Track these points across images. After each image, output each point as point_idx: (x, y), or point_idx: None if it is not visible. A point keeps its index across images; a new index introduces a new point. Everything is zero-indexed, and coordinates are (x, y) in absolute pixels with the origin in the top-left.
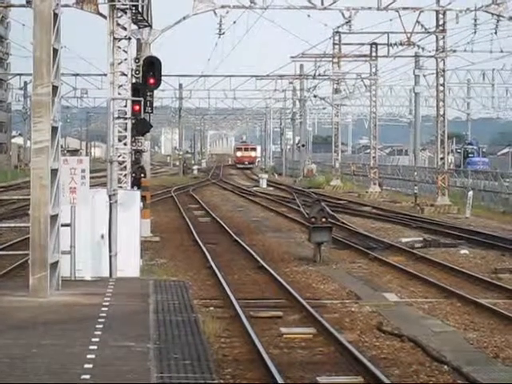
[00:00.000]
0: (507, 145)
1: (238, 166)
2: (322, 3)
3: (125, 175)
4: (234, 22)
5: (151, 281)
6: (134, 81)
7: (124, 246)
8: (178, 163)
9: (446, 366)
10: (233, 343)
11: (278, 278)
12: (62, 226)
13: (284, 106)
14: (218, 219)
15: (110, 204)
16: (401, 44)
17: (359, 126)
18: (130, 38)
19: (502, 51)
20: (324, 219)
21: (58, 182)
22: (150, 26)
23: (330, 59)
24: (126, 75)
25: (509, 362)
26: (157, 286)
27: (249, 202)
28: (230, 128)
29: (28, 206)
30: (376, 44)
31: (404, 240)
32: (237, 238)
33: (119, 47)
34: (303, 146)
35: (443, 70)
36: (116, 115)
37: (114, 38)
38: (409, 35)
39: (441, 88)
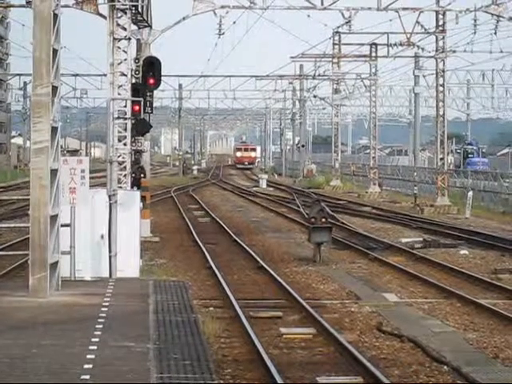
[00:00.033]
0: (507, 145)
1: (238, 166)
2: (322, 3)
3: (124, 175)
4: (234, 23)
5: (151, 281)
6: (133, 81)
7: (124, 247)
8: (177, 163)
9: (445, 367)
10: (232, 343)
11: (278, 278)
12: (62, 226)
13: (284, 106)
14: (218, 219)
15: (110, 204)
16: (400, 44)
17: (359, 126)
18: (129, 39)
19: (501, 52)
20: (324, 219)
21: (57, 183)
22: (150, 26)
23: (330, 59)
24: (125, 75)
25: (508, 362)
26: (156, 287)
27: (248, 202)
28: (230, 128)
29: (28, 206)
30: (376, 44)
31: (404, 240)
32: (236, 239)
33: (119, 47)
34: (303, 146)
35: (443, 71)
36: (116, 115)
37: (114, 39)
38: (409, 35)
39: (440, 88)
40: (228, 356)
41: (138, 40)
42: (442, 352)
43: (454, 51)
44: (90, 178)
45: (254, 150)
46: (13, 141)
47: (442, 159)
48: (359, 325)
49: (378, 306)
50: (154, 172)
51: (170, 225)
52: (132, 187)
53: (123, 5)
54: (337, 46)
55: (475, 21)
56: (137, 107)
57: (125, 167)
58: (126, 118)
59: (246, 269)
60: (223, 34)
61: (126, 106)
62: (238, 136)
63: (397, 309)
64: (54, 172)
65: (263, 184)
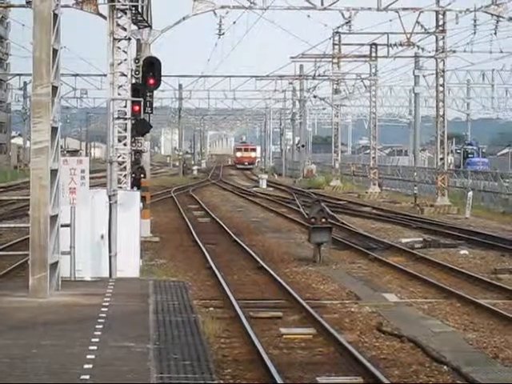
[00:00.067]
0: (507, 145)
1: (238, 166)
2: (322, 3)
3: (125, 175)
4: (234, 23)
5: (151, 281)
6: (133, 81)
7: (124, 247)
8: (177, 164)
9: (445, 367)
10: (232, 344)
11: (278, 278)
12: (62, 226)
13: (284, 106)
14: (218, 220)
15: (110, 204)
16: (400, 44)
17: (359, 126)
18: (129, 39)
19: (501, 52)
20: (324, 220)
21: (57, 183)
22: (150, 26)
23: (330, 59)
24: (125, 76)
25: (508, 362)
26: (156, 287)
27: (248, 202)
28: (230, 128)
29: (28, 206)
30: (376, 44)
31: (404, 240)
32: (236, 239)
33: (119, 48)
34: (303, 146)
35: (443, 71)
36: (116, 116)
37: (114, 39)
38: (408, 36)
39: (440, 88)
40: (228, 356)
41: (138, 40)
42: (442, 352)
43: (454, 51)
44: (90, 178)
45: (254, 150)
46: (13, 141)
47: (442, 159)
48: (359, 325)
49: (378, 306)
50: (154, 172)
51: (170, 225)
52: (132, 187)
53: (123, 5)
54: (337, 46)
55: (475, 21)
56: (137, 107)
57: (125, 167)
58: (126, 119)
59: (245, 269)
60: (223, 34)
61: (126, 106)
62: (237, 136)
63: (397, 309)
64: (54, 172)
65: (263, 184)
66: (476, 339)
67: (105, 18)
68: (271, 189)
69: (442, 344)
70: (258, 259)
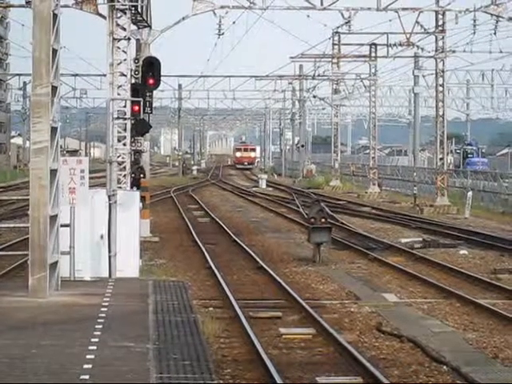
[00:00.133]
0: (506, 145)
1: (238, 166)
2: (322, 3)
3: (124, 175)
4: (234, 23)
5: (150, 281)
6: (133, 81)
7: (123, 247)
8: (177, 164)
9: (445, 367)
10: (232, 343)
11: (278, 278)
12: (62, 226)
13: (283, 106)
14: (218, 219)
15: (110, 204)
16: (400, 44)
17: (359, 126)
18: (129, 39)
19: (501, 52)
20: (323, 220)
21: (57, 183)
22: (150, 26)
23: (330, 59)
24: (125, 75)
25: (508, 362)
26: (156, 287)
27: (248, 202)
28: (230, 128)
29: (27, 206)
30: (375, 44)
31: (403, 240)
32: (236, 239)
33: (118, 47)
34: (302, 146)
35: (442, 71)
36: (115, 115)
37: (114, 39)
38: (408, 36)
39: (440, 88)
40: (227, 356)
41: (137, 40)
42: (442, 352)
43: (454, 51)
44: (90, 178)
45: (253, 150)
46: (12, 141)
47: (441, 159)
48: (359, 325)
49: (378, 306)
50: (154, 172)
51: (170, 225)
52: (131, 187)
53: (123, 5)
54: (336, 47)
55: (475, 21)
56: (136, 107)
57: (124, 167)
58: (125, 118)
59: (245, 269)
60: (223, 34)
61: (125, 106)
62: (237, 136)
63: (396, 309)
64: (53, 172)
65: (263, 184)
66: (476, 339)
67: (104, 17)
68: (271, 189)
69: (442, 344)
70: (258, 259)
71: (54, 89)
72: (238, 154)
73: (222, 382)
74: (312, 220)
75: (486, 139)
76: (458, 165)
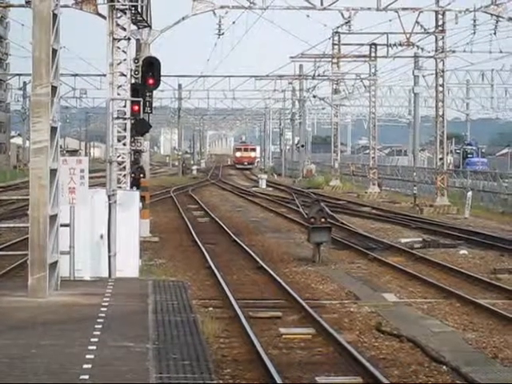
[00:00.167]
0: (506, 145)
1: (238, 166)
2: (322, 3)
3: (124, 175)
4: (234, 23)
5: (150, 281)
6: (133, 81)
7: (123, 247)
8: (177, 163)
9: (444, 367)
10: (232, 343)
11: (277, 278)
12: (61, 226)
13: (283, 106)
14: (217, 219)
15: (109, 204)
16: (400, 44)
17: (358, 126)
18: (129, 39)
19: (501, 52)
20: (323, 219)
21: (57, 182)
22: (150, 26)
23: (330, 59)
24: (125, 75)
25: (507, 362)
26: (156, 287)
27: (248, 202)
28: (230, 128)
29: (27, 206)
30: (375, 44)
31: (403, 240)
32: (236, 239)
33: (118, 47)
34: (302, 146)
35: (442, 71)
36: (115, 115)
37: (114, 39)
38: (408, 36)
39: (440, 88)
40: (227, 356)
41: (137, 40)
42: (441, 352)
43: (454, 51)
44: (90, 177)
45: (253, 150)
46: (12, 141)
47: (441, 159)
48: (358, 325)
49: (378, 306)
50: (154, 172)
51: (170, 225)
52: (131, 187)
53: (123, 5)
54: (336, 46)
55: (475, 21)
56: (136, 107)
57: (124, 167)
58: (125, 118)
59: (245, 269)
60: (223, 34)
61: (125, 106)
62: (237, 136)
63: (396, 309)
64: (53, 172)
65: (262, 184)
66: (475, 339)
67: (104, 17)
68: (270, 189)
69: (442, 344)
70: (258, 259)
71: (54, 89)
72: (238, 154)
73: (221, 381)
74: (312, 220)
75: (485, 139)
76: (457, 165)
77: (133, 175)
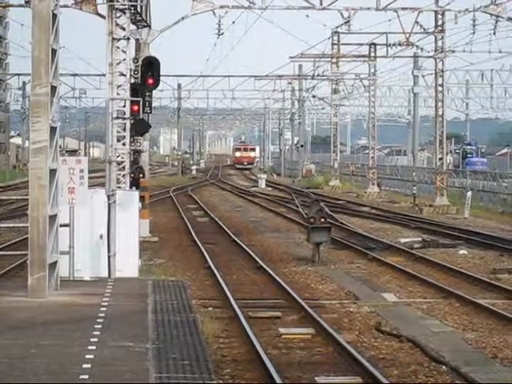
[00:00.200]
0: (506, 145)
1: (237, 166)
2: (321, 3)
3: (123, 175)
4: (233, 23)
5: (150, 281)
6: (132, 81)
7: (123, 247)
8: (176, 163)
9: (444, 367)
10: (231, 343)
11: (277, 278)
12: (61, 226)
13: (283, 106)
14: (217, 219)
15: (109, 204)
16: (400, 44)
17: (358, 126)
18: (128, 38)
19: (500, 52)
20: (323, 219)
21: (56, 182)
22: (149, 26)
23: (329, 59)
24: (124, 75)
25: (507, 362)
26: (155, 286)
27: (247, 202)
28: (229, 128)
29: (26, 206)
30: (375, 44)
31: (403, 240)
32: (235, 239)
33: (118, 47)
34: (302, 146)
35: (442, 71)
36: (115, 115)
37: (113, 39)
38: (408, 35)
39: (439, 88)
40: (227, 356)
41: (136, 40)
42: (441, 352)
43: (453, 51)
44: (89, 177)
45: (253, 149)
46: (12, 141)
47: (440, 159)
48: (358, 325)
49: (377, 305)
50: (153, 172)
51: (169, 225)
52: (131, 187)
53: (122, 5)
54: (336, 46)
55: (474, 21)
56: (136, 107)
57: (124, 167)
58: (124, 118)
59: (244, 269)
60: (222, 33)
61: (124, 106)
62: (236, 136)
63: (395, 309)
64: (52, 172)
65: (262, 184)
66: (475, 339)
67: (104, 17)
68: (270, 189)
69: (441, 344)
70: (257, 259)
71: (54, 88)
72: (238, 154)
73: (221, 381)
74: (311, 220)
75: (485, 139)
76: (457, 165)
77: (132, 175)
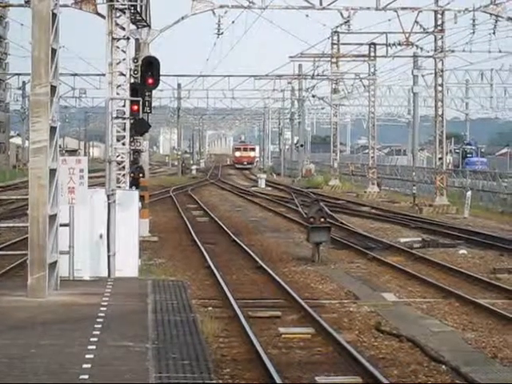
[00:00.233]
0: (505, 145)
1: (237, 166)
2: (321, 3)
3: (123, 175)
4: (233, 22)
5: (149, 281)
6: (132, 81)
7: (122, 246)
8: (176, 163)
9: (444, 366)
10: (231, 343)
11: (277, 277)
12: (61, 225)
13: (282, 105)
14: (217, 219)
15: (109, 204)
16: (399, 44)
17: (358, 126)
18: (128, 38)
19: (500, 51)
20: (322, 219)
21: (56, 182)
22: (149, 25)
23: (329, 59)
24: (124, 75)
25: (507, 362)
26: (155, 286)
27: (247, 201)
28: (229, 128)
29: (26, 205)
30: (374, 44)
31: (403, 240)
32: (235, 238)
33: (118, 47)
34: (302, 145)
35: (442, 70)
36: (114, 115)
37: (113, 38)
38: (407, 35)
39: (439, 88)
40: (227, 356)
41: (136, 40)
42: (441, 352)
43: (453, 51)
44: (89, 177)
45: (252, 149)
46: (11, 140)
47: (440, 159)
48: (358, 324)
49: (377, 305)
50: (153, 172)
51: (169, 224)
52: (131, 187)
53: (122, 4)
54: (335, 46)
55: (474, 20)
56: (135, 107)
57: (123, 167)
58: (124, 118)
59: (244, 268)
60: (222, 33)
61: (124, 106)
62: (236, 136)
63: (395, 308)
64: (52, 172)
65: (262, 184)
66: (475, 339)
67: (103, 17)
68: (270, 188)
69: (441, 344)
70: (257, 259)
71: (53, 88)
72: (238, 154)
73: (221, 381)
74: (311, 219)
75: (485, 139)
76: (457, 164)
77: (132, 175)
